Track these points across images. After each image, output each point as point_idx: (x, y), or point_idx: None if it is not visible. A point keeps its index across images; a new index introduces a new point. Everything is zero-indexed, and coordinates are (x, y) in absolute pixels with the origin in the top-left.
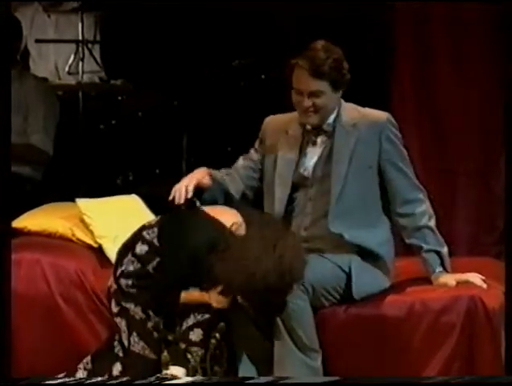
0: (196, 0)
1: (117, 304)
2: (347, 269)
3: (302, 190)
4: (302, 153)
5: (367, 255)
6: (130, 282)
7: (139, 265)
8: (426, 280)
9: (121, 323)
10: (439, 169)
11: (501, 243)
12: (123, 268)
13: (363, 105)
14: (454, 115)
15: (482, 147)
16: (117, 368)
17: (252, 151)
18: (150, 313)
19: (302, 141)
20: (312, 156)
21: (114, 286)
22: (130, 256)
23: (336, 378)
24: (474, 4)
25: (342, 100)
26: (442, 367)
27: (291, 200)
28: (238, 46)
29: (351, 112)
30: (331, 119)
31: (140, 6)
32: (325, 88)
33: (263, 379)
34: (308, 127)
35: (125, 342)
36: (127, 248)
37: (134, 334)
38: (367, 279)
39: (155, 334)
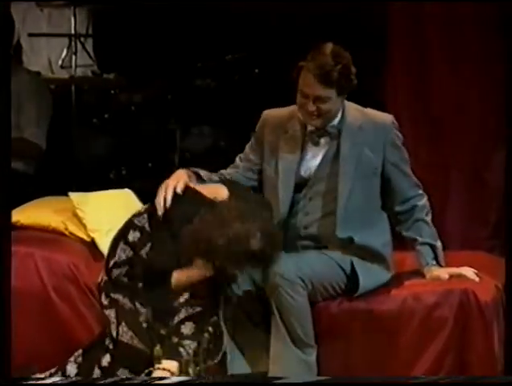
0: None
1: (107, 296)
2: (347, 267)
3: (301, 188)
4: (303, 153)
5: (371, 256)
6: (122, 271)
7: (132, 253)
8: (419, 273)
9: (111, 315)
10: (433, 163)
11: (494, 237)
12: (116, 258)
13: (357, 99)
14: (448, 109)
15: (476, 141)
16: (106, 359)
17: (248, 151)
18: (139, 305)
19: (303, 140)
20: (314, 156)
21: (105, 278)
22: (122, 244)
23: (325, 378)
24: (470, 3)
25: (345, 101)
26: (435, 360)
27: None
28: (232, 40)
29: (355, 113)
30: (335, 121)
31: (133, 0)
32: (331, 94)
33: (257, 379)
34: (311, 128)
35: (114, 333)
36: (119, 237)
37: (123, 324)
38: (370, 276)
39: (144, 325)
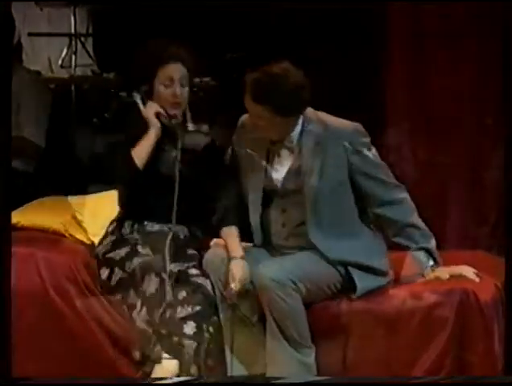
0: None
1: (107, 266)
2: (341, 267)
3: (273, 199)
4: (269, 162)
5: (357, 267)
6: (108, 247)
7: (114, 237)
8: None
9: (118, 277)
10: (432, 162)
11: (493, 236)
12: (102, 245)
13: (358, 99)
14: (447, 109)
15: (475, 141)
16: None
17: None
18: (135, 245)
19: (268, 150)
20: (280, 168)
21: (95, 263)
22: (106, 237)
23: (325, 378)
24: (470, 3)
25: (310, 111)
26: (435, 359)
27: (264, 206)
28: (231, 39)
29: (316, 126)
30: (293, 136)
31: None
32: (266, 113)
33: (256, 379)
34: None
35: (122, 276)
36: (104, 235)
37: (134, 264)
38: (366, 276)
39: (148, 259)
